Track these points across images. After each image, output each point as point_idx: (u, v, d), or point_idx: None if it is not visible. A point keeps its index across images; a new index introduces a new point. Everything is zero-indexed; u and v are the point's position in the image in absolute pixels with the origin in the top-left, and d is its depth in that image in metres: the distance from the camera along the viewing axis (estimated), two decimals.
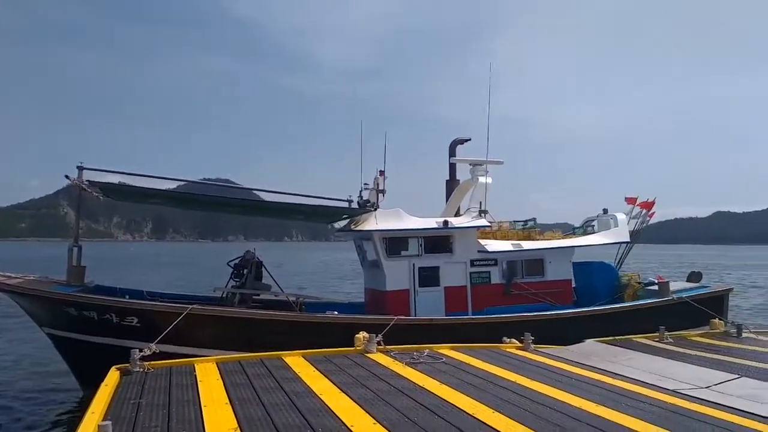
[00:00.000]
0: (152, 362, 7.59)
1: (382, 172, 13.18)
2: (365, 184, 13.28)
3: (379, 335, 9.33)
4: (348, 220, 13.61)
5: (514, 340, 10.15)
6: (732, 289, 15.28)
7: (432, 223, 13.24)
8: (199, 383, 6.89)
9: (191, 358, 8.50)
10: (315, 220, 15.34)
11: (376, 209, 12.86)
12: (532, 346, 9.79)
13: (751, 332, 11.74)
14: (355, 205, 13.05)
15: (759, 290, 48.57)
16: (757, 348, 10.27)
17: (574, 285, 14.32)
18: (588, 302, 13.88)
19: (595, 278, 14.75)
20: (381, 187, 13.02)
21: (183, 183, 15.98)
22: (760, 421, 5.90)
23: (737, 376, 7.95)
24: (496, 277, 13.39)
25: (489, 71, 14.83)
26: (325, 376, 7.45)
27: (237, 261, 13.22)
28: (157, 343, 8.29)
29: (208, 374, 7.39)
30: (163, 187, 12.99)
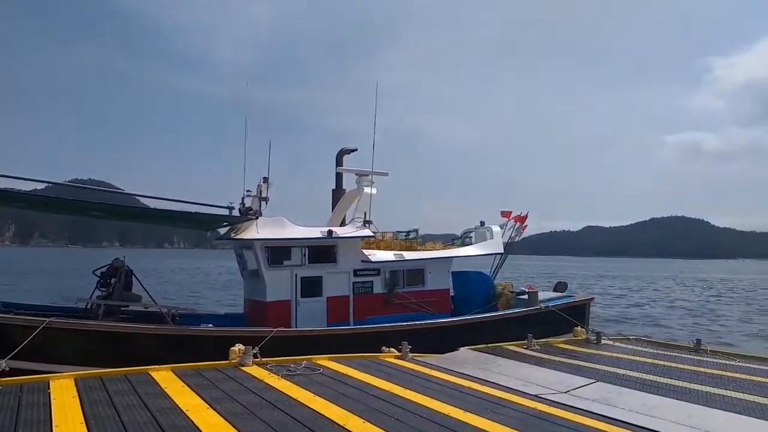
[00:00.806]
0: (1, 379, 6.85)
1: (265, 179, 12.89)
2: (248, 190, 12.93)
3: (256, 347, 9.07)
4: (228, 228, 13.17)
5: (393, 350, 10.27)
6: (593, 298, 16.51)
7: (316, 232, 13.14)
8: (52, 401, 6.31)
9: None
10: (193, 227, 14.70)
11: (257, 217, 12.54)
12: (410, 355, 9.95)
13: (609, 339, 12.70)
14: (236, 213, 12.65)
15: (619, 299, 52.98)
16: (613, 354, 11.11)
17: (452, 294, 14.79)
18: (465, 310, 14.40)
19: (472, 287, 15.36)
20: (264, 195, 12.72)
21: (49, 185, 14.66)
22: (612, 424, 6.34)
23: (594, 380, 8.52)
24: (378, 287, 13.53)
25: (376, 84, 15.03)
26: (194, 391, 7.10)
27: (104, 269, 12.32)
28: (8, 359, 7.50)
29: (63, 391, 6.78)
30: (28, 189, 11.85)
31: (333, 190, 15.92)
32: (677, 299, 54.30)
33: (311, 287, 12.83)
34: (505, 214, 16.43)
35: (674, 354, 11.23)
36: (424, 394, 7.27)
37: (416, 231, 15.53)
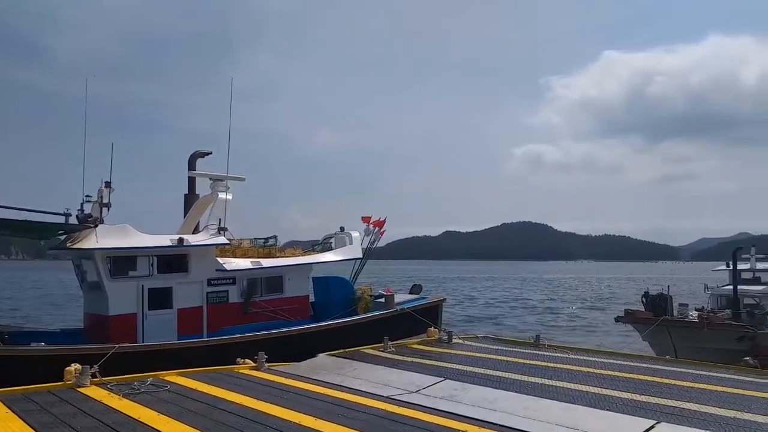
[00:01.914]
0: None
1: (108, 184, 12.01)
2: (87, 196, 11.96)
3: (95, 366, 8.37)
4: (65, 237, 12.06)
5: (248, 361, 9.99)
6: (445, 299, 17.26)
7: (165, 240, 12.45)
8: None
9: None
10: (24, 235, 13.30)
11: (98, 225, 11.62)
12: (266, 365, 9.75)
13: (459, 338, 13.31)
14: (73, 220, 11.61)
15: (473, 300, 56.02)
16: (462, 352, 11.66)
17: (312, 300, 14.73)
18: (325, 316, 14.40)
19: (332, 293, 15.42)
20: (106, 200, 11.83)
21: None
22: (455, 419, 6.61)
23: (442, 379, 8.87)
24: (234, 296, 13.12)
25: (231, 82, 14.68)
26: (19, 417, 6.39)
27: None
28: None
29: None
30: None
31: (185, 195, 15.20)
32: (523, 298, 58.61)
33: (160, 299, 12.13)
34: (365, 219, 16.71)
35: (516, 350, 12.01)
36: (277, 405, 7.14)
37: (275, 238, 15.29)
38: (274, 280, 13.85)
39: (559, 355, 11.42)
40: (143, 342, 11.58)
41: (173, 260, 12.46)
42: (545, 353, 11.57)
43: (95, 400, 7.33)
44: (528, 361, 10.57)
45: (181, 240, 12.47)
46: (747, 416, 6.78)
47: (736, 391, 8.22)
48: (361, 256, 15.87)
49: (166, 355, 10.71)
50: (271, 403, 7.22)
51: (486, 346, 12.53)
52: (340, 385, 8.48)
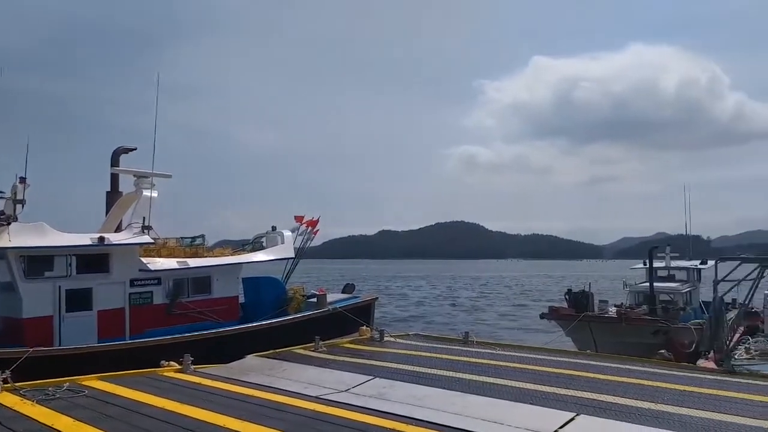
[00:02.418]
0: None
1: (22, 180, 11.33)
2: (0, 192, 11.25)
3: (7, 371, 7.91)
4: None
5: (173, 363, 9.68)
6: (377, 298, 17.34)
7: (85, 239, 11.88)
8: None
9: None
10: None
11: (10, 222, 10.95)
12: (192, 367, 9.48)
13: (391, 336, 13.38)
14: None
15: (408, 298, 56.58)
16: (393, 350, 11.73)
17: (242, 301, 14.44)
18: (257, 317, 14.14)
19: (263, 293, 15.16)
20: (20, 197, 11.15)
21: None
22: (383, 417, 6.64)
23: (372, 377, 8.89)
24: (159, 297, 12.68)
25: (157, 76, 14.17)
26: None
27: None
28: None
29: None
30: None
31: (108, 192, 14.57)
32: (455, 297, 59.73)
33: (79, 300, 11.57)
34: (298, 218, 16.55)
35: (446, 347, 12.20)
36: (201, 407, 6.96)
37: (202, 237, 14.88)
38: (202, 280, 13.48)
39: (486, 351, 11.66)
40: (60, 346, 11.01)
41: (93, 260, 11.92)
42: (473, 350, 11.79)
43: (6, 407, 6.95)
44: (457, 358, 10.74)
45: (101, 239, 11.93)
46: (661, 407, 7.14)
47: (651, 383, 8.63)
48: (293, 255, 15.69)
49: (85, 359, 10.24)
50: (194, 405, 7.03)
51: (417, 343, 12.65)
52: (269, 386, 8.36)
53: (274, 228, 15.93)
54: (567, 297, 21.00)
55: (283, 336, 12.63)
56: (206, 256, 14.14)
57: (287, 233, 15.75)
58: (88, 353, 10.60)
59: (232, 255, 14.82)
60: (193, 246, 14.51)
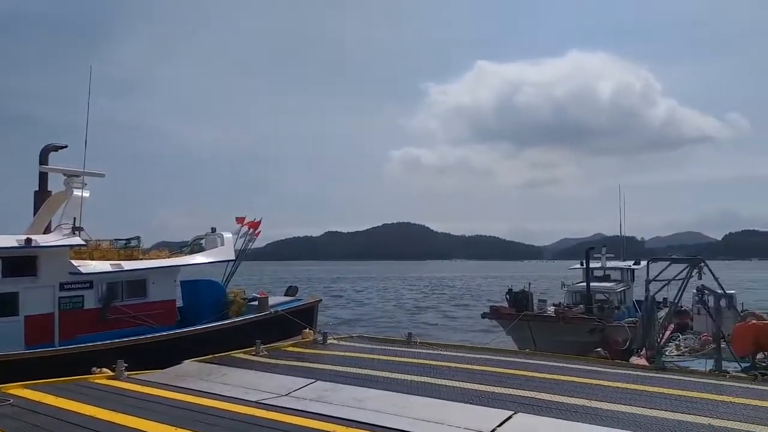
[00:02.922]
0: None
1: None
2: None
3: None
4: None
5: (105, 370, 9.31)
6: (321, 300, 17.19)
7: (11, 241, 11.27)
8: None
9: None
10: None
11: None
12: (126, 373, 9.14)
13: (334, 339, 13.29)
14: None
15: (350, 300, 56.52)
16: (336, 353, 11.64)
17: (180, 304, 14.03)
18: (195, 321, 13.77)
19: (202, 296, 14.77)
20: None
21: None
22: (325, 420, 6.57)
23: (314, 380, 8.78)
24: (91, 302, 12.16)
25: (90, 70, 13.60)
26: None
27: None
28: None
29: None
30: None
31: (36, 192, 13.86)
32: (400, 298, 60.09)
33: (4, 305, 10.98)
34: (239, 220, 16.23)
35: (389, 348, 12.20)
36: (133, 415, 6.71)
37: (138, 239, 14.36)
38: (137, 283, 13.00)
39: (429, 351, 11.72)
40: None
41: (20, 263, 11.32)
42: (416, 350, 11.83)
43: None
44: (399, 359, 10.75)
45: (28, 240, 11.34)
46: (595, 404, 7.33)
47: (586, 380, 8.87)
48: (233, 257, 15.35)
49: (11, 367, 9.70)
50: (126, 413, 6.77)
51: (360, 345, 12.61)
52: (206, 392, 8.14)
53: (213, 229, 15.55)
54: (507, 297, 21.42)
55: (223, 340, 12.32)
56: (142, 259, 13.66)
57: (227, 235, 15.40)
58: (14, 360, 10.05)
59: (169, 257, 14.37)
60: (128, 248, 13.98)
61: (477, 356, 11.23)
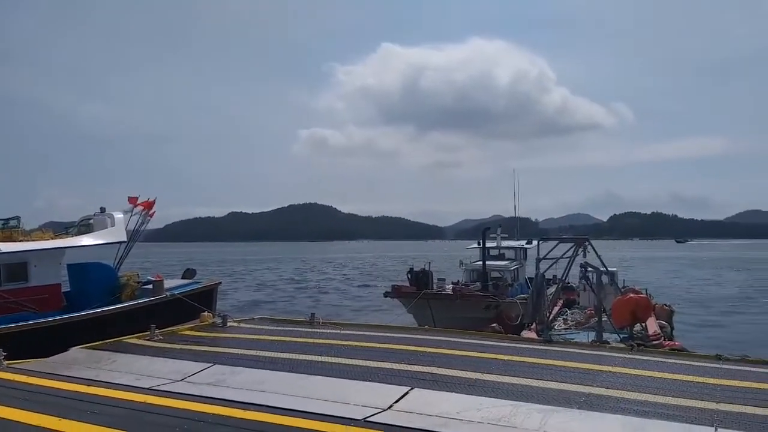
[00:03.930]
0: None
1: None
2: None
3: None
4: None
5: None
6: (220, 283, 16.75)
7: None
8: None
9: None
10: None
11: None
12: (5, 363, 8.51)
13: (234, 321, 13.02)
14: None
15: (254, 282, 55.64)
16: (236, 335, 11.42)
17: (67, 289, 13.18)
18: (84, 306, 13.00)
19: (91, 280, 13.95)
20: None
21: None
22: (222, 405, 6.43)
23: (211, 364, 8.58)
24: None
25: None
26: None
27: None
28: None
29: None
30: None
31: None
32: (305, 279, 59.89)
33: None
34: (132, 199, 15.41)
35: (291, 329, 12.12)
36: (13, 406, 6.28)
37: (17, 219, 13.29)
38: (17, 267, 12.07)
39: (331, 331, 11.78)
40: None
41: None
42: (319, 330, 11.85)
43: None
44: (302, 340, 10.72)
45: None
46: (487, 376, 7.69)
47: (480, 354, 9.26)
48: (125, 239, 14.57)
49: None
50: (5, 405, 6.31)
51: (261, 327, 12.45)
52: (94, 380, 7.75)
53: (103, 209, 14.64)
54: (409, 276, 21.92)
55: (115, 326, 11.75)
56: (22, 240, 12.66)
57: (118, 215, 14.55)
58: None
59: (53, 239, 13.40)
60: (6, 229, 12.90)
61: (378, 334, 11.42)
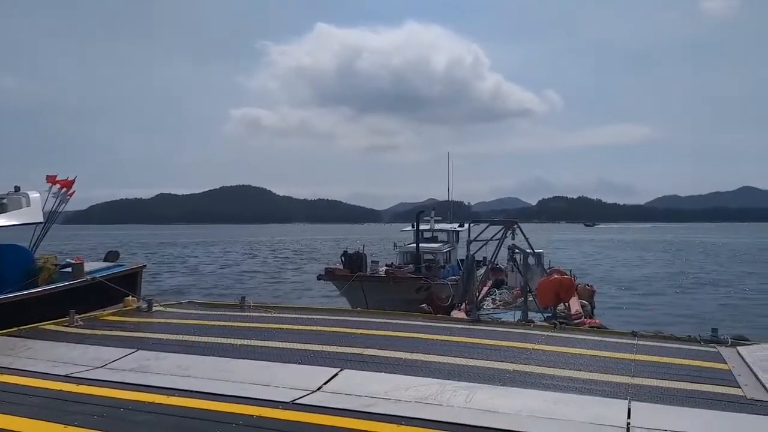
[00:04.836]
0: None
1: None
2: None
3: None
4: None
5: None
6: (145, 266, 16.13)
7: None
8: None
9: None
10: None
11: None
12: None
13: (161, 306, 12.63)
14: None
15: (183, 266, 54.22)
16: (162, 320, 11.09)
17: None
18: None
19: (4, 263, 13.11)
20: None
21: None
22: (144, 391, 6.25)
23: (134, 350, 8.29)
24: None
25: None
26: None
27: None
28: None
29: None
30: None
31: None
32: (237, 262, 58.87)
33: None
34: (50, 178, 14.55)
35: (220, 313, 11.88)
36: None
37: None
38: None
39: (262, 314, 11.64)
40: None
41: None
42: (249, 314, 11.69)
43: None
44: (231, 323, 10.54)
45: None
46: (416, 356, 7.81)
47: (410, 334, 9.39)
48: (42, 220, 13.75)
49: None
50: None
51: (189, 311, 12.14)
52: (7, 368, 7.36)
53: (17, 188, 13.73)
54: (342, 258, 21.95)
55: (31, 311, 11.11)
56: None
57: (34, 194, 13.67)
58: None
59: None
60: None
61: (309, 317, 11.38)
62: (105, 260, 15.40)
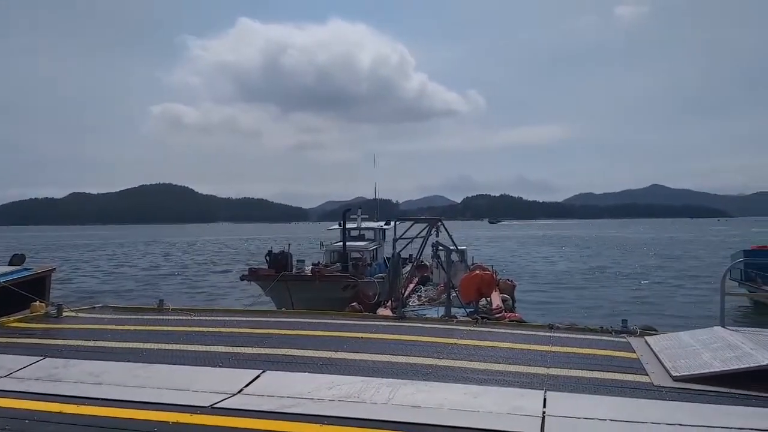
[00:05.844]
0: None
1: None
2: None
3: None
4: None
5: None
6: (54, 269, 15.24)
7: None
8: None
9: None
10: None
11: None
12: None
13: (72, 311, 11.98)
14: None
15: (96, 269, 51.72)
16: (73, 326, 10.51)
17: None
18: None
19: None
20: None
21: None
22: (52, 401, 5.93)
23: (42, 357, 7.82)
24: None
25: None
26: None
27: None
28: None
29: None
30: None
31: None
32: (157, 264, 56.75)
33: None
34: None
35: (137, 317, 11.40)
36: None
37: None
38: None
39: (182, 318, 11.26)
40: None
41: None
42: (168, 317, 11.29)
43: None
44: (148, 328, 10.16)
45: None
46: (341, 354, 7.79)
47: (335, 333, 9.34)
48: None
49: None
50: None
51: (103, 317, 11.57)
52: None
53: None
54: (267, 258, 21.59)
55: None
56: None
57: None
58: None
59: None
60: None
61: (231, 319, 11.11)
62: (10, 264, 14.41)
